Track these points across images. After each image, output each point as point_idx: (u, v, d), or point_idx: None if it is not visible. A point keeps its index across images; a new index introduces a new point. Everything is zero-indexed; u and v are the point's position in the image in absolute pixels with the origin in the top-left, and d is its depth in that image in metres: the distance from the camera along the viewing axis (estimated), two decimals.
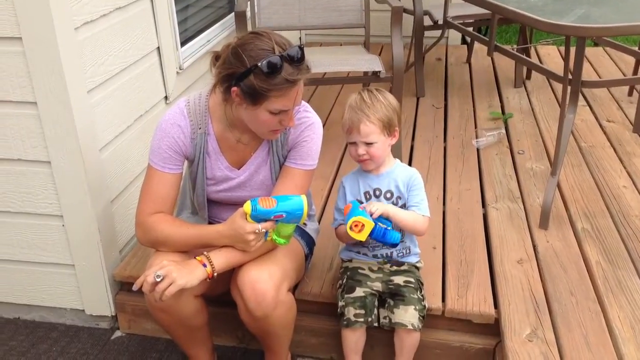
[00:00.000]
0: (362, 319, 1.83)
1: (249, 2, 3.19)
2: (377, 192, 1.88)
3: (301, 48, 1.57)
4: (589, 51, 4.42)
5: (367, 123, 1.78)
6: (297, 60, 1.54)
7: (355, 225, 1.71)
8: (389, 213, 1.80)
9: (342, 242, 2.00)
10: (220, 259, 1.65)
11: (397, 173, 1.89)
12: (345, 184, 1.94)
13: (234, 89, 1.57)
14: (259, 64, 1.51)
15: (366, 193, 1.89)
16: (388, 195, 1.88)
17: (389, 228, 1.78)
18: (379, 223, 1.76)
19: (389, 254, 1.92)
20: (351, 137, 1.83)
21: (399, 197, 1.87)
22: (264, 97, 1.55)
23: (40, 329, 2.29)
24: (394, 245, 1.85)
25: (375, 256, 1.92)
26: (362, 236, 1.73)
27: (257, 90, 1.54)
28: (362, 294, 1.85)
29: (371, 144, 1.80)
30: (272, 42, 1.54)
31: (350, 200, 1.87)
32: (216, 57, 1.64)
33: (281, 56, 1.52)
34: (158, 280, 1.56)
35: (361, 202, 1.86)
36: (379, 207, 1.78)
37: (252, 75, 1.53)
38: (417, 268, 1.96)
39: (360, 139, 1.80)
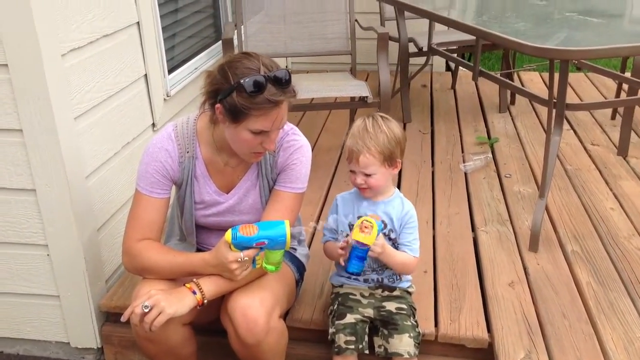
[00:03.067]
0: (352, 346, 1.79)
1: (236, 30, 3.22)
2: None
3: (288, 72, 1.57)
4: (571, 77, 4.46)
5: (367, 155, 1.73)
6: (284, 83, 1.54)
7: (366, 227, 1.68)
8: (385, 254, 1.76)
9: (329, 259, 1.95)
10: (211, 286, 1.62)
11: (394, 206, 1.84)
12: (339, 203, 1.91)
13: (218, 105, 1.57)
14: (242, 82, 1.51)
15: (359, 218, 1.83)
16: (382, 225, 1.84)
17: (362, 256, 1.74)
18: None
19: (379, 279, 1.89)
20: (351, 166, 1.78)
21: (391, 230, 1.84)
22: (244, 115, 1.55)
23: None
24: (351, 273, 1.78)
25: (366, 280, 1.90)
26: (363, 238, 1.67)
27: (238, 107, 1.53)
28: (353, 321, 1.82)
29: (370, 175, 1.76)
30: (259, 62, 1.55)
31: (342, 221, 1.84)
32: (208, 75, 1.64)
33: (266, 76, 1.52)
34: (146, 310, 1.53)
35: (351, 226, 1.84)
36: (382, 244, 1.73)
37: (234, 93, 1.52)
38: (409, 293, 1.94)
39: (359, 169, 1.75)
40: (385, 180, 1.82)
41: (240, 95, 1.52)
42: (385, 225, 1.82)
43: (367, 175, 1.76)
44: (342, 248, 1.76)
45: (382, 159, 1.75)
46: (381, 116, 1.80)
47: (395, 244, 1.84)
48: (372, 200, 1.84)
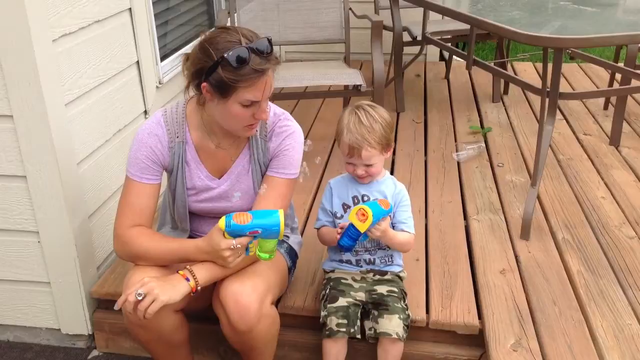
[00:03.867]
0: (344, 329, 1.80)
1: (229, 18, 3.20)
2: (365, 198, 1.87)
3: (269, 40, 1.56)
4: (564, 67, 4.49)
5: (369, 148, 1.76)
6: (267, 52, 1.54)
7: (363, 214, 1.70)
8: (387, 237, 1.79)
9: (323, 244, 1.99)
10: (204, 273, 1.62)
11: (387, 185, 1.89)
12: (333, 186, 1.94)
13: (204, 84, 1.56)
14: (225, 55, 1.50)
15: (354, 198, 1.88)
16: None
17: (354, 237, 1.76)
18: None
19: (371, 259, 1.91)
20: (351, 159, 1.81)
21: None
22: (232, 89, 1.54)
23: (14, 350, 2.22)
24: (341, 246, 1.80)
25: (358, 262, 1.91)
26: (357, 223, 1.71)
27: (225, 82, 1.53)
28: (345, 304, 1.83)
29: (371, 165, 1.81)
30: (239, 34, 1.54)
31: (337, 202, 1.88)
32: (187, 58, 1.62)
33: (248, 47, 1.52)
34: (139, 298, 1.52)
35: (349, 207, 1.87)
36: (384, 229, 1.76)
37: (219, 68, 1.52)
38: (401, 278, 1.95)
39: (362, 162, 1.80)
40: (382, 165, 1.87)
41: (226, 69, 1.51)
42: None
43: (368, 166, 1.80)
44: (340, 227, 1.78)
45: (381, 148, 1.79)
46: (368, 105, 1.83)
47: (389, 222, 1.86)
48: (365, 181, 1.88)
